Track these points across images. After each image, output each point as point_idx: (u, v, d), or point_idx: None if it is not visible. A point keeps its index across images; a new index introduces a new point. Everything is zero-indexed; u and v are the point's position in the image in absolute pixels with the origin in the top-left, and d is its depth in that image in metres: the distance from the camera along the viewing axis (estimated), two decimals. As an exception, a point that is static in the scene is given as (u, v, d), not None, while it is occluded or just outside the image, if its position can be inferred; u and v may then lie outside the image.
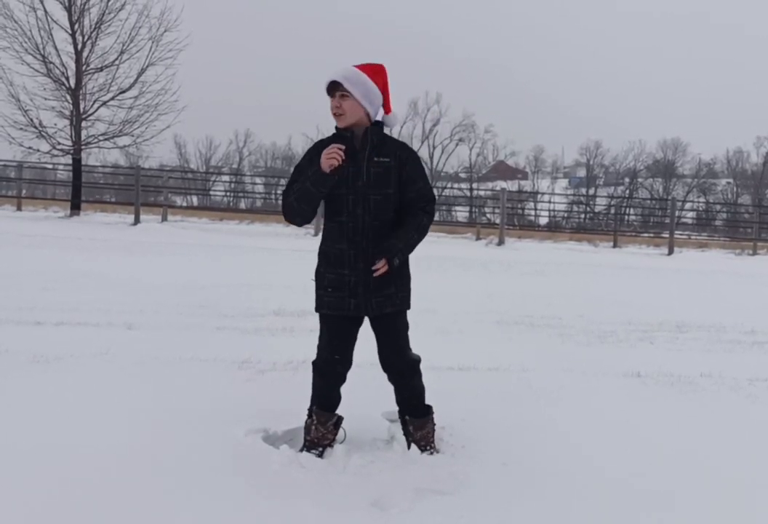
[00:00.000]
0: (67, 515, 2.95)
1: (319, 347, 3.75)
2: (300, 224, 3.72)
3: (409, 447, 3.81)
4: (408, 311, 3.79)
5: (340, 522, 3.03)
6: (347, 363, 3.74)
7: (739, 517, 3.26)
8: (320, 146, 3.62)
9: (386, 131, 3.72)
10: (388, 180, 3.60)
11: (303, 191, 3.53)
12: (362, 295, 3.60)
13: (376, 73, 3.62)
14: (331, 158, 3.43)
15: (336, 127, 3.65)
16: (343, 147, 3.47)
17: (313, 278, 3.75)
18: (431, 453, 3.79)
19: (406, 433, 3.86)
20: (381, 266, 3.52)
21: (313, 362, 3.77)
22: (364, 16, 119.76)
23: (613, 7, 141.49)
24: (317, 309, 3.73)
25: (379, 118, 3.67)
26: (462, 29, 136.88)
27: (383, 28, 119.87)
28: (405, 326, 3.79)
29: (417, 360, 3.84)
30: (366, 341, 3.79)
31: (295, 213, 3.63)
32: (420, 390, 3.87)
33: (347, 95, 3.54)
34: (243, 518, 3.01)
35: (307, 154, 3.66)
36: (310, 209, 3.59)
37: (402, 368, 3.80)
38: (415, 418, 3.82)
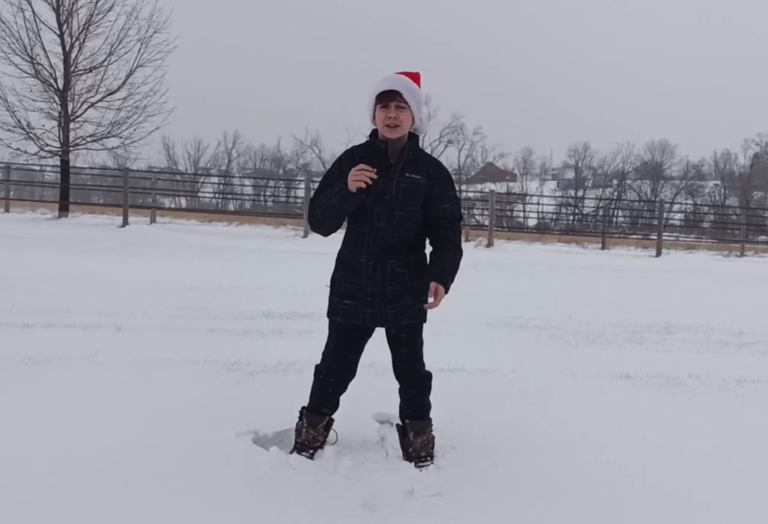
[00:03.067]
0: (56, 517, 2.94)
1: (324, 353, 3.70)
2: (325, 235, 3.60)
3: (407, 459, 3.68)
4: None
5: (331, 524, 3.03)
6: (351, 373, 3.68)
7: (729, 515, 3.28)
8: (351, 154, 3.54)
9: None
10: (416, 197, 3.51)
11: (329, 206, 3.45)
12: (378, 306, 3.53)
13: (417, 82, 3.52)
14: (359, 181, 3.34)
15: (370, 136, 3.57)
16: (374, 170, 3.36)
17: (328, 284, 3.67)
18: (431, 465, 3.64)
19: (405, 444, 3.71)
20: (434, 294, 3.40)
21: (316, 366, 3.73)
22: (355, 17, 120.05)
23: (603, 11, 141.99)
24: (330, 315, 3.64)
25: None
26: (451, 31, 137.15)
27: (372, 29, 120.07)
28: (420, 339, 3.70)
29: (429, 377, 3.73)
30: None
31: (319, 225, 3.55)
32: (426, 406, 3.76)
33: (404, 107, 3.43)
34: (233, 520, 3.00)
35: (338, 162, 3.56)
36: (335, 223, 3.51)
37: (415, 382, 3.70)
38: (416, 420, 3.70)
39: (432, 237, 3.62)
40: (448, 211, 3.58)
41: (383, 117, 3.44)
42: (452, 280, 3.52)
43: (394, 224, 3.50)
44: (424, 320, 3.66)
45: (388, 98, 3.42)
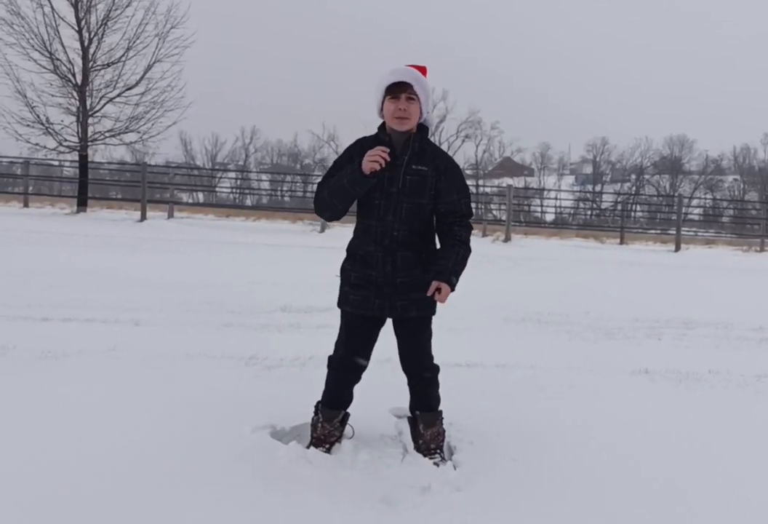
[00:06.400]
0: (75, 511, 2.95)
1: (336, 343, 3.69)
2: (329, 220, 3.61)
3: (418, 451, 3.68)
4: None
5: (348, 519, 3.02)
6: (363, 363, 3.66)
7: (748, 514, 3.25)
8: (362, 143, 3.53)
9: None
10: (423, 189, 3.48)
11: (338, 187, 3.43)
12: (388, 296, 3.52)
13: (424, 75, 3.48)
14: (374, 162, 3.32)
15: (378, 129, 3.55)
16: (388, 150, 3.35)
17: (338, 274, 3.67)
18: (441, 460, 3.61)
19: (416, 436, 3.72)
20: (434, 291, 3.40)
21: (329, 358, 3.71)
22: (372, 19, 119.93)
23: (620, 8, 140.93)
24: (339, 305, 3.65)
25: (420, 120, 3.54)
26: (468, 29, 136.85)
27: (391, 31, 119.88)
28: (428, 331, 3.67)
29: (436, 370, 3.72)
30: (380, 338, 3.78)
31: (325, 207, 3.53)
32: (434, 398, 3.75)
33: (414, 99, 3.41)
34: (250, 514, 3.00)
35: (348, 151, 3.56)
36: (342, 206, 3.49)
37: (421, 375, 3.69)
38: (425, 412, 3.69)
39: (439, 232, 3.60)
40: (454, 204, 3.54)
41: (393, 109, 3.43)
42: (456, 278, 3.48)
43: (402, 217, 3.48)
44: (433, 313, 3.65)
45: (398, 90, 3.41)
